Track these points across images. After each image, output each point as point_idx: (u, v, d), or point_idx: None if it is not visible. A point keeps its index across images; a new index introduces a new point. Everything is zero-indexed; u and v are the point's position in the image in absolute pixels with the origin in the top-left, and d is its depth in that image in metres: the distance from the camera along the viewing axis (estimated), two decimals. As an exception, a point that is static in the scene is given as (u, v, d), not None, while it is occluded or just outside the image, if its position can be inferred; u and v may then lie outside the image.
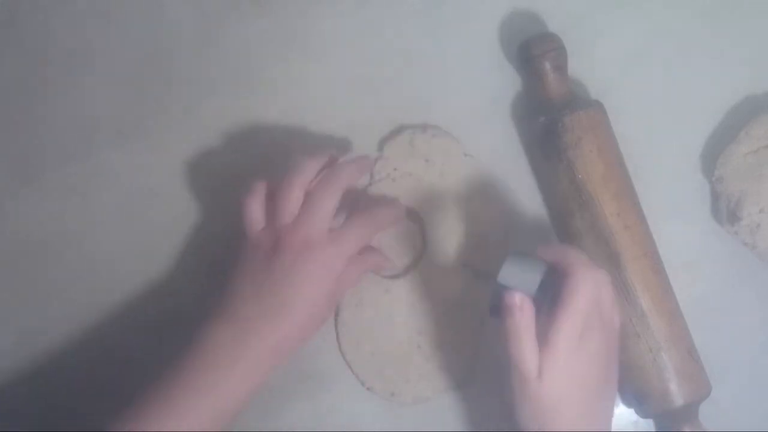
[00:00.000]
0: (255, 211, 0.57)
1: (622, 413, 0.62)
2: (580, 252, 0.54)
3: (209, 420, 0.53)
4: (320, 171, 0.59)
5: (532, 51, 0.61)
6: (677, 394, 0.58)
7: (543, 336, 0.51)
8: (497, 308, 0.52)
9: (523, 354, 0.50)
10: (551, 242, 0.62)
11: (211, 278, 0.64)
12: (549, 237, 0.64)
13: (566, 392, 0.51)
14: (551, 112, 0.61)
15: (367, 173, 0.63)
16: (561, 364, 0.50)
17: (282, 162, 0.59)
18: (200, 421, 0.53)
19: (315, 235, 0.56)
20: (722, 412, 0.61)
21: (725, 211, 0.62)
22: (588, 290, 0.51)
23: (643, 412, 0.61)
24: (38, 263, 0.66)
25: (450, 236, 0.63)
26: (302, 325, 0.56)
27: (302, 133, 0.66)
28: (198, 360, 0.55)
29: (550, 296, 0.52)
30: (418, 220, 0.64)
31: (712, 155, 0.63)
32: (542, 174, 0.64)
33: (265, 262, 0.56)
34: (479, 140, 0.65)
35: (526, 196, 0.65)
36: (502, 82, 0.65)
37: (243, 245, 0.58)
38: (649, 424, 0.62)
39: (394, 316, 0.63)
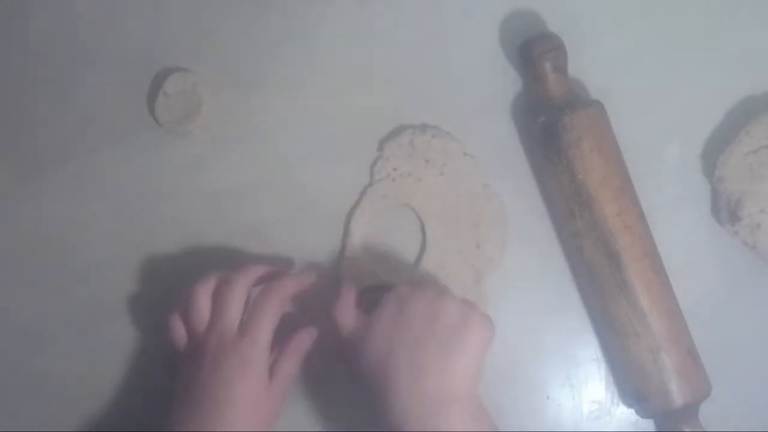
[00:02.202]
0: (177, 332, 0.59)
1: (622, 413, 0.62)
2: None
3: None
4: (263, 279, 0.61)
5: (532, 51, 0.61)
6: (677, 394, 0.58)
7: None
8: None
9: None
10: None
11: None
12: (549, 237, 0.64)
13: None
14: (551, 112, 0.61)
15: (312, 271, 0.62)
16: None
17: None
18: None
19: (227, 336, 0.57)
20: (722, 412, 0.61)
21: (725, 210, 0.62)
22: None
23: (643, 412, 0.61)
24: (38, 263, 0.66)
25: (450, 236, 0.63)
26: (242, 423, 0.55)
27: (302, 133, 0.66)
28: None
29: None
30: (418, 220, 0.64)
31: (712, 155, 0.63)
32: (542, 174, 0.64)
33: (189, 374, 0.57)
34: (479, 140, 0.65)
35: (526, 196, 0.65)
36: (502, 82, 0.65)
37: (179, 353, 0.59)
38: (649, 424, 0.62)
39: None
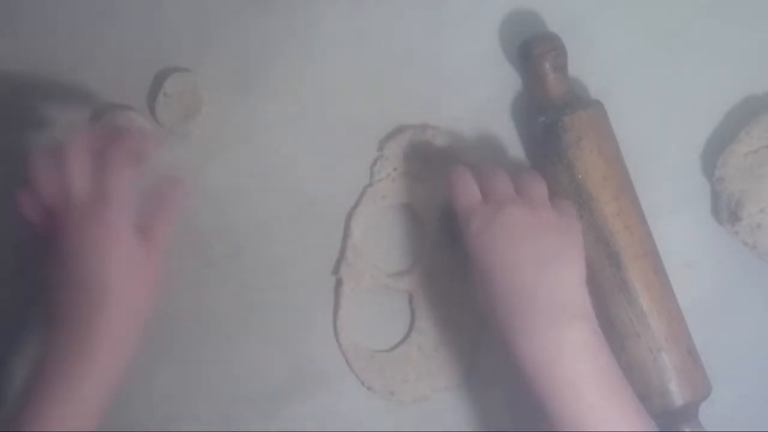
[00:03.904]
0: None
1: (622, 413, 0.62)
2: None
3: (74, 419, 0.51)
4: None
5: (532, 51, 0.61)
6: (677, 394, 0.58)
7: None
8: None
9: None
10: None
11: (208, 278, 0.64)
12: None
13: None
14: (551, 112, 0.61)
15: None
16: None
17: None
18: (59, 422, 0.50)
19: (81, 202, 0.53)
20: (722, 412, 0.61)
21: (726, 210, 0.62)
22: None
23: (643, 412, 0.61)
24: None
25: (449, 235, 0.63)
26: (123, 297, 0.52)
27: (302, 133, 0.66)
28: (43, 366, 0.52)
29: None
30: (418, 220, 0.64)
31: (712, 155, 0.63)
32: (542, 174, 0.64)
33: (52, 255, 0.53)
34: (479, 140, 0.65)
35: (526, 196, 0.64)
36: (502, 82, 0.65)
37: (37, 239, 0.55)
38: (649, 424, 0.62)
39: (395, 315, 0.63)
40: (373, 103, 0.65)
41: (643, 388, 0.59)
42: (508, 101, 0.65)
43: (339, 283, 0.64)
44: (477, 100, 0.65)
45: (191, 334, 0.64)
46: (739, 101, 0.64)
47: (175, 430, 0.63)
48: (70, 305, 0.52)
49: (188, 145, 0.66)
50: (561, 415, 0.51)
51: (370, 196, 0.64)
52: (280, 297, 0.64)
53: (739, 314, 0.63)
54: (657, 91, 0.65)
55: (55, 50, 0.67)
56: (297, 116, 0.66)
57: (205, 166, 0.66)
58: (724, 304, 0.63)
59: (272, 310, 0.64)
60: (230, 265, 0.65)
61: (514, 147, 0.65)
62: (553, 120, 0.60)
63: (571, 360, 0.51)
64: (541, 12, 0.65)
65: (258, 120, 0.66)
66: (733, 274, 0.63)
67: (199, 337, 0.65)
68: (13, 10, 0.68)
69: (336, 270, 0.64)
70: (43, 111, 0.67)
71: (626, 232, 0.59)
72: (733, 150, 0.62)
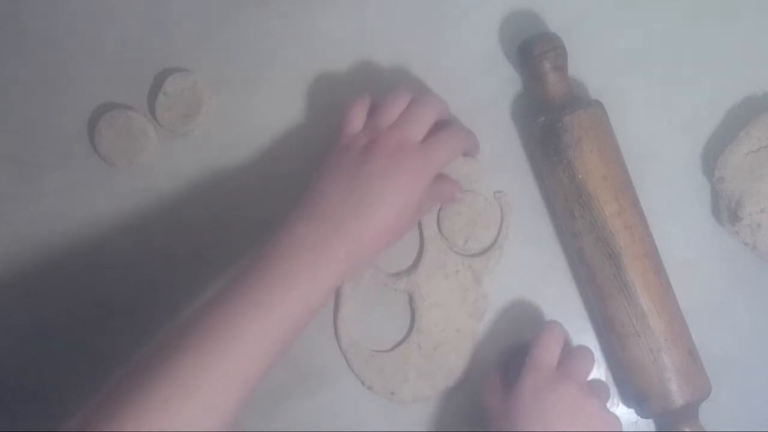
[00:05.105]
0: (356, 116, 0.59)
1: (622, 413, 0.62)
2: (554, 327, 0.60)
3: (295, 314, 0.53)
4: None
5: (532, 51, 0.61)
6: (677, 394, 0.58)
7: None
8: None
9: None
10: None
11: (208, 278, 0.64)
12: (549, 237, 0.64)
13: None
14: (551, 112, 0.61)
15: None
16: (521, 409, 0.56)
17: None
18: (286, 315, 0.53)
19: (409, 142, 0.57)
20: (722, 412, 0.61)
21: (726, 211, 0.62)
22: (540, 350, 0.58)
23: (643, 412, 0.61)
24: (38, 263, 0.66)
25: (449, 236, 0.63)
26: (384, 230, 0.56)
27: (302, 133, 0.66)
28: (279, 256, 0.54)
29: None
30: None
31: (712, 155, 0.63)
32: (542, 174, 0.64)
33: (356, 162, 0.56)
34: (479, 140, 0.65)
35: (526, 196, 0.64)
36: (502, 82, 0.65)
37: (332, 149, 0.58)
38: (649, 424, 0.62)
39: (395, 315, 0.63)
40: (373, 103, 0.65)
41: (643, 388, 0.59)
42: (508, 101, 0.65)
43: (339, 283, 0.64)
44: (477, 100, 0.65)
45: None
46: (739, 101, 0.64)
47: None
48: (337, 204, 0.55)
49: (188, 145, 0.66)
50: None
51: (370, 196, 0.64)
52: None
53: (739, 314, 0.63)
54: (657, 91, 0.65)
55: (56, 50, 0.67)
56: (297, 116, 0.66)
57: (205, 166, 0.66)
58: (724, 304, 0.63)
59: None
60: (230, 264, 0.65)
61: (514, 147, 0.65)
62: (553, 120, 0.60)
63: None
64: (541, 12, 0.65)
65: (258, 120, 0.66)
66: (733, 274, 0.63)
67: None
68: (15, 10, 0.68)
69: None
70: (44, 111, 0.67)
71: (626, 232, 0.59)
72: (733, 150, 0.62)
